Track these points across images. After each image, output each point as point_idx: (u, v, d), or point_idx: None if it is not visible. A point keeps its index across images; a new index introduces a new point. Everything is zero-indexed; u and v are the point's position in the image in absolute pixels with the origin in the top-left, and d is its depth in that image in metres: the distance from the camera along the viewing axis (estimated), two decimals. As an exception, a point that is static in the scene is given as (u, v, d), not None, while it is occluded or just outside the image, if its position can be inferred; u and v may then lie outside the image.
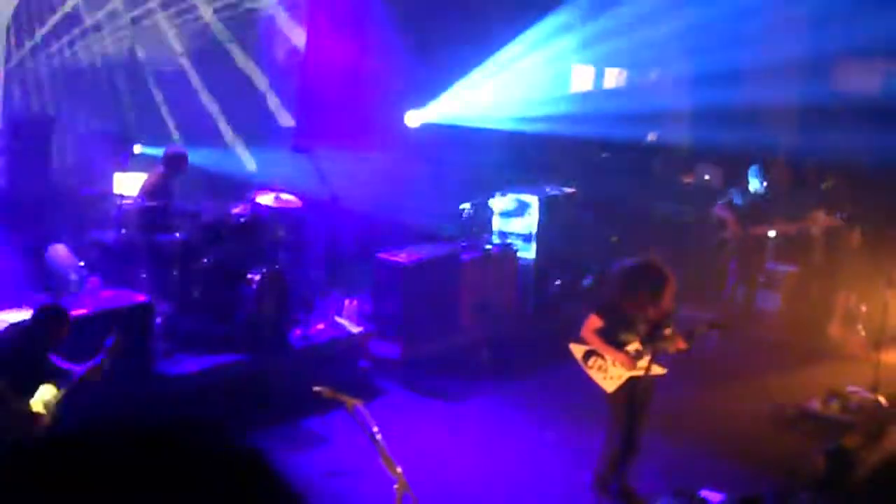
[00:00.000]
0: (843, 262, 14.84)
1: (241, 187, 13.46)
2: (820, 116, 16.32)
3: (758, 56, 17.34)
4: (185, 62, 15.88)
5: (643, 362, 9.03)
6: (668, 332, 9.07)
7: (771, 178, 14.98)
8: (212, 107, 15.74)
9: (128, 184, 13.44)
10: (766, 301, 15.47)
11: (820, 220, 14.91)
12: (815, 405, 12.17)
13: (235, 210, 12.56)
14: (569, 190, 16.01)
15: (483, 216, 14.90)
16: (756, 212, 14.70)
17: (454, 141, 16.25)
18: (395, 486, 6.92)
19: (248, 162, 15.58)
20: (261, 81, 15.98)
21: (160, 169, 13.00)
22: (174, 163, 13.01)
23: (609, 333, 9.14)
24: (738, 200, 14.77)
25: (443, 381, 12.34)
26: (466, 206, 14.55)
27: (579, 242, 15.23)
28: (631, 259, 9.47)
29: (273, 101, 15.90)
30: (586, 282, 15.02)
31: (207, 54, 15.82)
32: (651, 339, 9.08)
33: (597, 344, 9.14)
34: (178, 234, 12.06)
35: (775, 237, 15.43)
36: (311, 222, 13.40)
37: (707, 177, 17.07)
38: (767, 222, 14.80)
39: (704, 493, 9.50)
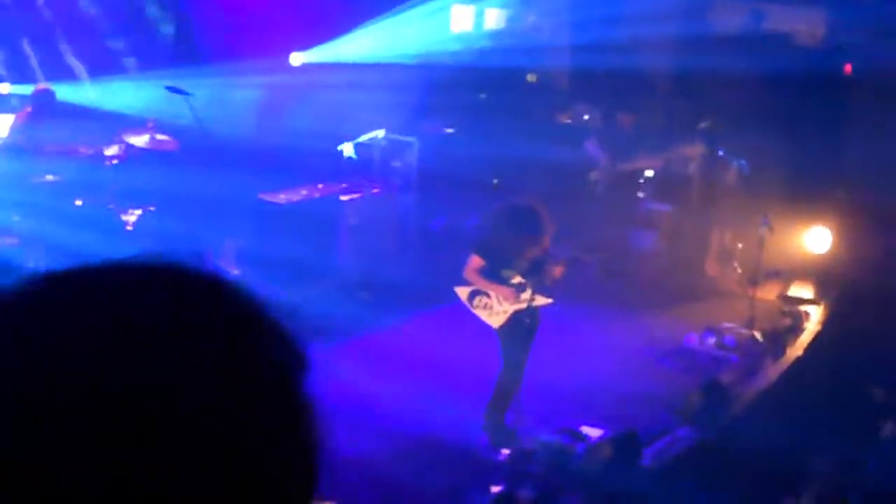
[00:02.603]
0: (720, 200, 15.04)
1: (115, 123, 13.11)
2: (698, 56, 16.47)
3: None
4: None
5: (526, 294, 9.20)
6: (548, 266, 9.27)
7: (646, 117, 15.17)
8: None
9: (-4, 125, 13.06)
10: (643, 240, 15.64)
11: (688, 151, 15.14)
12: (692, 341, 12.35)
13: (109, 151, 12.30)
14: (448, 130, 15.97)
15: (364, 157, 14.79)
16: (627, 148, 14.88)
17: (338, 82, 16.07)
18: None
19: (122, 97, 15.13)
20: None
21: (28, 109, 12.65)
22: (41, 101, 12.66)
23: (490, 271, 9.28)
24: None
25: (323, 321, 12.23)
26: (347, 146, 14.42)
27: (460, 183, 15.19)
28: (510, 200, 9.58)
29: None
30: (470, 222, 14.99)
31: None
32: (532, 271, 9.24)
33: (479, 282, 9.33)
34: (49, 177, 11.77)
35: (652, 176, 15.61)
36: (188, 162, 13.13)
37: (586, 116, 17.14)
38: (636, 158, 14.98)
39: (584, 430, 9.59)
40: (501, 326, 9.35)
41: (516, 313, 9.32)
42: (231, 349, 1.33)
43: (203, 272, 1.42)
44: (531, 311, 9.34)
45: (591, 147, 15.15)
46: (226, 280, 1.42)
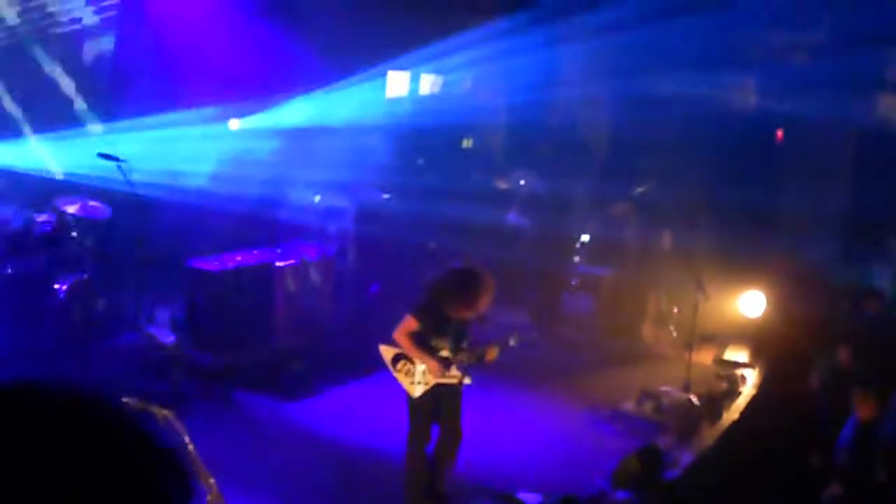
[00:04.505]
0: (655, 264, 15.14)
1: (47, 193, 12.99)
2: (633, 121, 16.63)
3: (570, 64, 17.60)
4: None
5: (452, 371, 9.05)
6: (481, 348, 9.18)
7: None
8: (12, 107, 15.10)
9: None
10: (579, 303, 15.68)
11: (616, 210, 15.31)
12: (629, 406, 12.36)
13: (40, 218, 12.17)
14: (385, 195, 15.97)
15: (300, 222, 14.75)
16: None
17: (275, 147, 16.08)
18: (208, 498, 6.73)
19: (53, 166, 15.04)
20: (68, 85, 15.47)
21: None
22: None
23: (422, 337, 9.10)
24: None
25: (256, 392, 12.11)
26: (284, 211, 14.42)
27: (395, 248, 15.19)
28: (453, 264, 9.49)
29: (80, 106, 15.41)
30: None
31: (9, 56, 15.24)
32: (461, 348, 9.12)
33: (408, 347, 9.07)
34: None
35: (588, 241, 15.70)
36: (120, 229, 13.01)
37: (522, 181, 17.21)
38: (565, 224, 15.11)
39: (522, 495, 9.53)
40: (420, 397, 9.18)
41: (437, 387, 9.15)
42: (112, 478, 1.31)
43: (95, 400, 1.40)
44: (455, 388, 9.18)
45: (514, 217, 15.29)
46: (115, 409, 1.41)
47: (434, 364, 9.04)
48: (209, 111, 15.36)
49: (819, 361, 11.55)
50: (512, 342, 9.45)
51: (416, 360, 9.08)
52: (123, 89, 15.37)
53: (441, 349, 9.09)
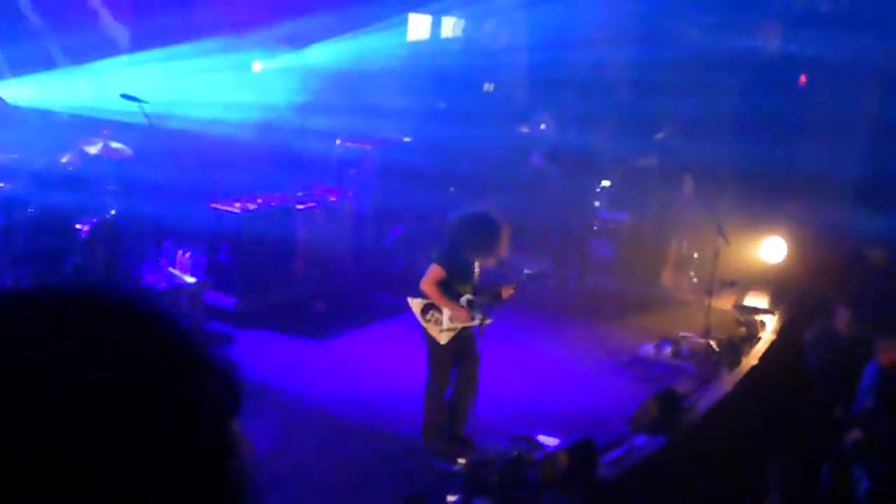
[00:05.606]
0: (676, 209, 15.09)
1: (70, 132, 12.96)
2: (655, 66, 16.51)
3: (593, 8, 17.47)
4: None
5: (477, 314, 9.17)
6: (498, 287, 9.40)
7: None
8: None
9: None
10: (600, 249, 15.66)
11: (644, 161, 15.24)
12: (649, 350, 12.37)
13: (63, 159, 12.20)
14: (405, 139, 15.92)
15: (320, 165, 14.74)
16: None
17: (295, 89, 16.06)
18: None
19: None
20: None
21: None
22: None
23: (447, 284, 9.18)
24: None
25: (278, 332, 12.17)
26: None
27: (417, 192, 15.14)
28: (469, 209, 9.54)
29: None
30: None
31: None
32: (482, 290, 9.28)
33: (436, 296, 9.20)
34: (1, 184, 11.64)
35: (609, 186, 15.65)
36: (144, 170, 13.01)
37: (543, 125, 17.11)
38: (588, 168, 15.03)
39: (541, 438, 9.58)
40: (446, 343, 9.30)
41: (462, 331, 9.30)
42: (158, 382, 1.32)
43: (141, 304, 1.41)
44: (475, 331, 9.33)
45: (537, 159, 15.20)
46: (162, 311, 1.41)
47: (462, 311, 9.18)
48: (230, 42, 15.28)
49: (814, 322, 11.46)
50: (526, 272, 9.61)
51: (444, 308, 9.19)
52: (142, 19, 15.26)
53: (465, 293, 9.19)
